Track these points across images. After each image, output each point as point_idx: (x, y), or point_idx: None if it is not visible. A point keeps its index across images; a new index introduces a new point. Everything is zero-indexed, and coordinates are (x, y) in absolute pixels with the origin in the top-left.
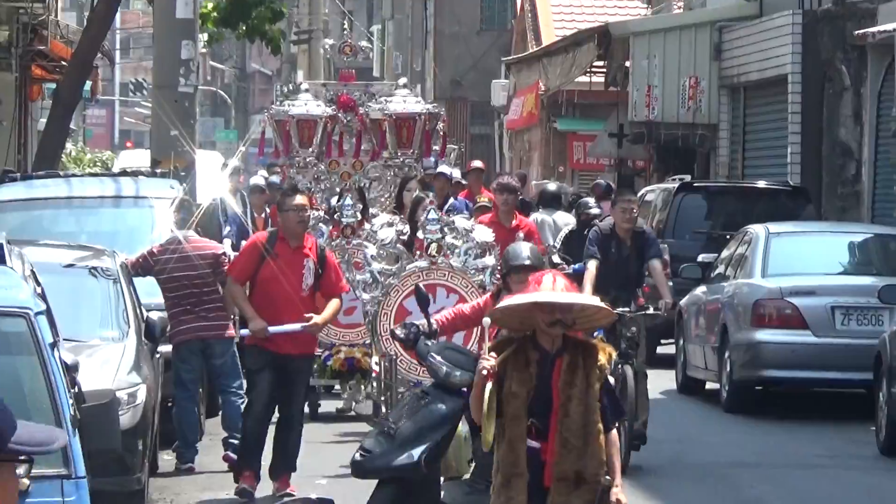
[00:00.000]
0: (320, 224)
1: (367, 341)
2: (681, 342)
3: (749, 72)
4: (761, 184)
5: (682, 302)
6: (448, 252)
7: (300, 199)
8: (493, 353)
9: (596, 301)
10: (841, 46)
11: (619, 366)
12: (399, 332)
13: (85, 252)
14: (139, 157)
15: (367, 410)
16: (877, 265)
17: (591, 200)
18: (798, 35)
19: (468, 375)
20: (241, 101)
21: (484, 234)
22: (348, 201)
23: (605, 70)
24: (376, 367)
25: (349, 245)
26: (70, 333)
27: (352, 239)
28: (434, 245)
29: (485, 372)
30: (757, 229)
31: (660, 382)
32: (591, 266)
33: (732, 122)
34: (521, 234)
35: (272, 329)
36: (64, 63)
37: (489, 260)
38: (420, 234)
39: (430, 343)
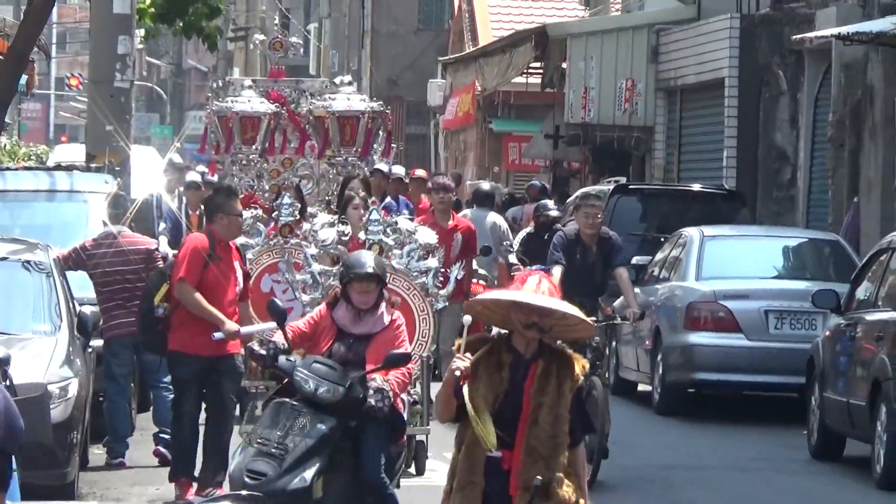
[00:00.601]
0: (258, 223)
1: None
2: (613, 344)
3: (686, 75)
4: (696, 187)
5: (616, 304)
6: (390, 253)
7: (239, 205)
8: (468, 354)
9: (578, 312)
10: (778, 51)
11: (588, 378)
12: (258, 348)
13: (18, 245)
14: (74, 152)
15: None
16: (811, 270)
17: (549, 202)
18: (735, 39)
19: (340, 391)
20: (177, 98)
21: (427, 235)
22: (286, 200)
23: (541, 71)
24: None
25: (287, 245)
26: (2, 326)
27: (289, 238)
28: (375, 246)
29: (458, 373)
30: (691, 232)
31: None
32: (557, 272)
33: (668, 124)
34: (460, 236)
35: (244, 330)
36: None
37: (432, 262)
38: (362, 235)
39: (292, 358)
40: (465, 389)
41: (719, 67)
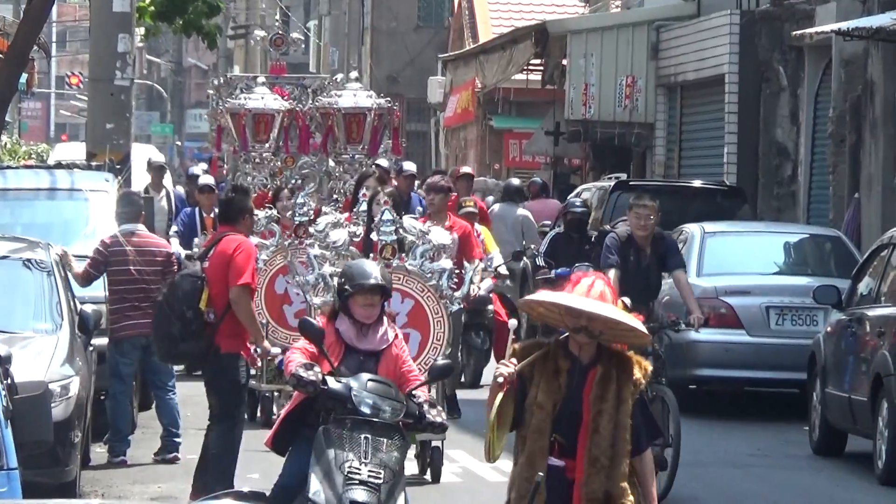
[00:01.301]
0: (272, 223)
1: None
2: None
3: (686, 71)
4: (697, 183)
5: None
6: (403, 255)
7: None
8: (513, 360)
9: (632, 320)
10: (778, 47)
11: (652, 384)
12: (306, 374)
13: (19, 244)
14: (74, 150)
15: None
16: (812, 266)
17: (577, 200)
18: (735, 35)
19: (401, 409)
20: (177, 96)
21: (441, 236)
22: (301, 199)
23: (541, 68)
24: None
25: (302, 245)
26: (3, 325)
27: (304, 239)
28: (388, 247)
29: (500, 379)
30: (692, 228)
31: None
32: (611, 276)
33: (669, 121)
34: (456, 236)
35: (274, 350)
36: (0, 55)
37: (446, 263)
38: (374, 236)
39: (342, 379)
40: (499, 397)
41: (720, 64)
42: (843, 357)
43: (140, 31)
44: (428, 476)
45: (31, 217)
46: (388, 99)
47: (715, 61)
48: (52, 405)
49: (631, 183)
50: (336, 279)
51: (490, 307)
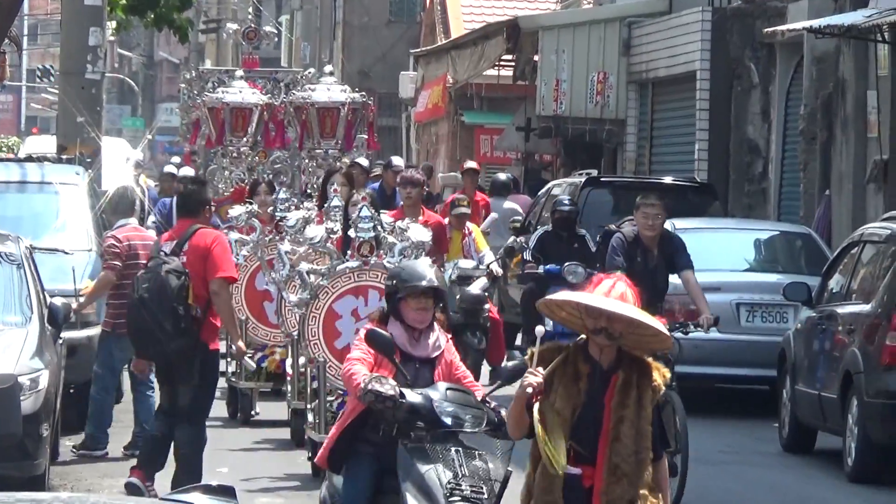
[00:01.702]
0: (253, 219)
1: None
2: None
3: (658, 68)
4: (668, 180)
5: (525, 287)
6: (382, 252)
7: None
8: (540, 368)
9: (655, 322)
10: (750, 44)
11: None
12: (384, 389)
13: None
14: (45, 144)
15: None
16: (782, 263)
17: (565, 198)
18: (707, 32)
19: (482, 417)
20: (149, 90)
21: (420, 233)
22: (283, 195)
23: (513, 64)
24: (291, 371)
25: (282, 241)
26: None
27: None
28: (366, 244)
29: (529, 389)
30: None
31: None
32: None
33: (640, 117)
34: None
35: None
36: None
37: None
38: (352, 233)
39: (419, 390)
40: (536, 407)
41: (691, 60)
42: (814, 354)
43: (111, 24)
44: None
45: (0, 210)
46: (363, 93)
47: (686, 58)
48: (22, 398)
49: (602, 179)
50: (312, 276)
51: (486, 306)
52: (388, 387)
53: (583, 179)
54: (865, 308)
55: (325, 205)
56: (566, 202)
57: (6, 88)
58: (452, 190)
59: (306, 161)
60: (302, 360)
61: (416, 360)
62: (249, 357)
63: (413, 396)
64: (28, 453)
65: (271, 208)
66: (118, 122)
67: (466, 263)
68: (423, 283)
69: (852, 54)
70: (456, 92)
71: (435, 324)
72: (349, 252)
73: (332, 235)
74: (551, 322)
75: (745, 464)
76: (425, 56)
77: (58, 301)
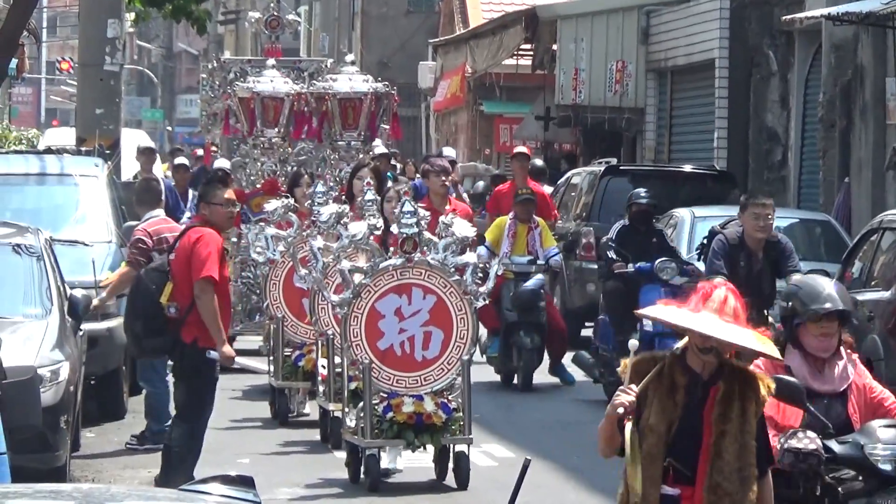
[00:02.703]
0: (290, 213)
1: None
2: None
3: (676, 56)
4: (687, 168)
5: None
6: (425, 248)
7: (230, 193)
8: (632, 386)
9: (767, 347)
10: (768, 32)
11: None
12: (801, 444)
13: (8, 229)
14: (65, 136)
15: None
16: (802, 250)
17: (641, 190)
18: (726, 20)
19: None
20: (168, 81)
21: (464, 228)
22: (320, 188)
23: (531, 53)
24: (323, 371)
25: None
26: None
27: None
28: (409, 241)
29: (621, 410)
30: (682, 213)
31: None
32: None
33: (659, 106)
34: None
35: (239, 360)
36: None
37: (471, 257)
38: (394, 229)
39: (845, 438)
40: (628, 428)
41: (709, 48)
42: None
43: (130, 16)
44: (454, 482)
45: (20, 202)
46: (386, 83)
47: (705, 46)
48: (42, 390)
49: (621, 167)
50: (353, 274)
51: (542, 304)
52: (807, 441)
53: (602, 168)
54: (885, 295)
55: (359, 199)
56: (643, 195)
57: (26, 81)
58: (473, 180)
59: (328, 152)
60: (336, 359)
61: (822, 396)
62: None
63: (842, 448)
64: (49, 445)
65: (308, 202)
66: (138, 114)
67: (521, 258)
68: (827, 305)
69: (870, 41)
70: (475, 81)
71: (842, 349)
72: (391, 248)
73: (374, 231)
74: (650, 322)
75: None
76: (444, 46)
77: (78, 293)
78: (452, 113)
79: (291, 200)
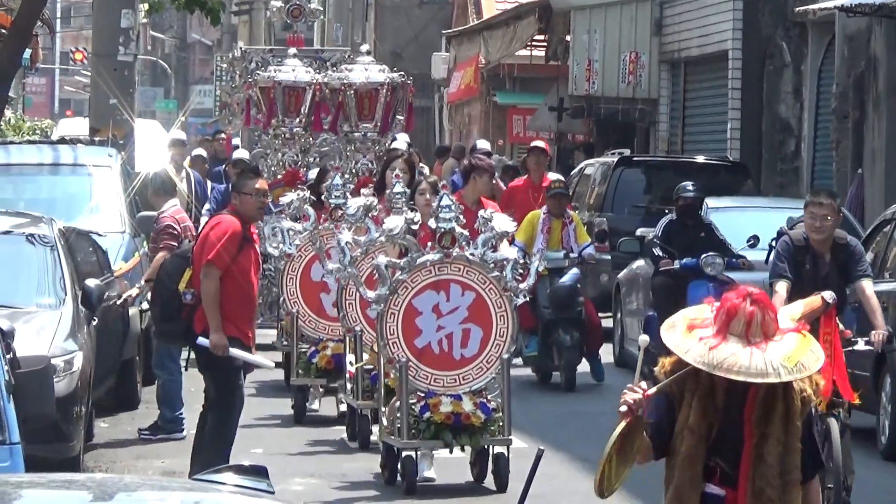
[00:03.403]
0: (306, 206)
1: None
2: (618, 315)
3: (689, 47)
4: (700, 159)
5: (620, 276)
6: (463, 243)
7: (262, 183)
8: (642, 384)
9: (801, 372)
10: (782, 23)
11: (823, 416)
12: None
13: (22, 219)
14: (78, 126)
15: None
16: None
17: (688, 184)
18: (739, 11)
19: None
20: (182, 72)
21: (504, 222)
22: (337, 180)
23: (545, 44)
24: (352, 369)
25: (338, 229)
26: (6, 300)
27: (341, 222)
28: (447, 235)
29: (623, 408)
30: None
31: None
32: (781, 289)
33: (672, 97)
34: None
35: (234, 352)
36: (3, 31)
37: (511, 252)
38: (432, 223)
39: None
40: (620, 426)
41: (723, 40)
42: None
43: (143, 6)
44: (493, 485)
45: (34, 192)
46: (402, 73)
47: (718, 37)
48: (56, 380)
49: (634, 158)
50: (390, 270)
51: (580, 299)
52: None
53: (615, 159)
54: None
55: (388, 191)
56: (689, 188)
57: (39, 71)
58: None
59: (344, 144)
60: (364, 356)
61: None
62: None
63: None
64: (62, 435)
65: (325, 195)
66: (151, 105)
67: (555, 253)
68: None
69: (884, 32)
70: (488, 72)
71: None
72: (429, 243)
73: (412, 226)
74: None
75: None
76: (457, 37)
77: (91, 283)
78: (466, 104)
79: (307, 193)
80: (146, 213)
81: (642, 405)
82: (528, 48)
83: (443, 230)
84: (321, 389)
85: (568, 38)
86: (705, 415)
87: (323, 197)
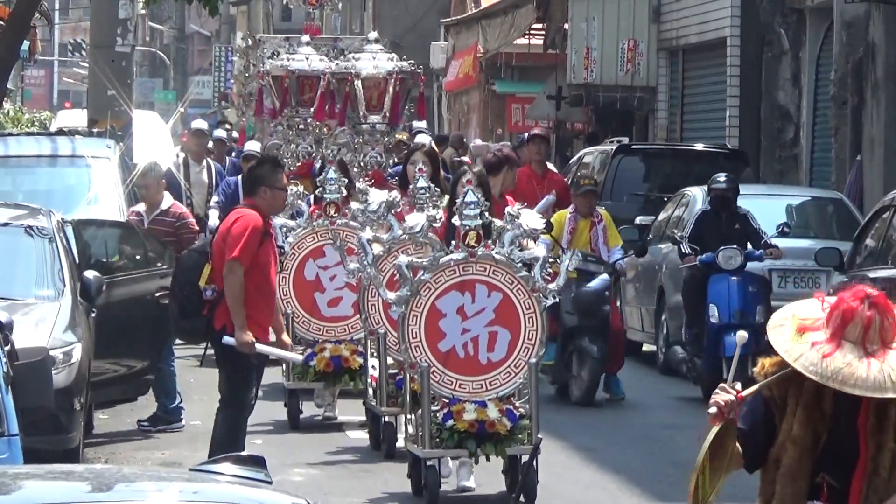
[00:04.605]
0: (299, 201)
1: (355, 336)
2: (617, 304)
3: (688, 35)
4: (699, 146)
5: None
6: (490, 242)
7: (284, 178)
8: (737, 385)
9: None
10: (780, 10)
11: None
12: None
13: (20, 211)
14: (77, 117)
15: (355, 417)
16: (814, 228)
17: (721, 175)
18: None
19: None
20: (180, 62)
21: (533, 220)
22: (332, 174)
23: (543, 32)
24: (374, 372)
25: (333, 225)
26: (5, 292)
27: (336, 219)
28: (472, 233)
29: (713, 410)
30: (695, 192)
31: None
32: None
33: (671, 84)
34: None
35: (260, 348)
36: (1, 22)
37: (540, 250)
38: (456, 221)
39: None
40: (713, 430)
41: (721, 27)
42: None
43: None
44: (521, 496)
45: (32, 184)
46: (412, 62)
47: (717, 24)
48: (55, 372)
49: (633, 146)
50: (411, 269)
51: (606, 307)
52: None
53: (614, 147)
54: None
55: (411, 186)
56: (721, 179)
57: (38, 63)
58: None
59: (352, 136)
60: (388, 360)
61: None
62: (300, 352)
63: None
64: (62, 427)
65: (318, 189)
66: (150, 96)
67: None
68: None
69: (882, 18)
70: (486, 61)
71: None
72: (453, 241)
73: (434, 224)
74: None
75: None
76: (456, 26)
77: (90, 274)
78: (464, 93)
79: (300, 188)
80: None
81: (734, 408)
82: (527, 36)
83: (467, 228)
84: (330, 393)
85: (566, 26)
86: (811, 424)
87: (317, 192)
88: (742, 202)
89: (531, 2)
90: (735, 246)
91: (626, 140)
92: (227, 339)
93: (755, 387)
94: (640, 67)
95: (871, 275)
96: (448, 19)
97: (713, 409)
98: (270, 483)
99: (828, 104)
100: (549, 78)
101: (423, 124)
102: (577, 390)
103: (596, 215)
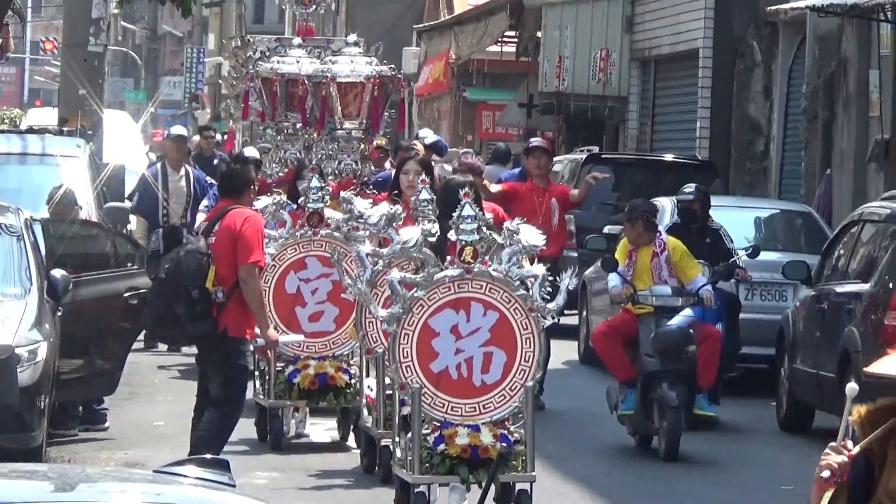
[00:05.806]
0: (281, 210)
1: (339, 353)
2: (584, 313)
3: (660, 45)
4: (669, 157)
5: (586, 273)
6: (485, 259)
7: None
8: (848, 442)
9: None
10: (753, 22)
11: None
12: None
13: None
14: (47, 116)
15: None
16: (782, 241)
17: (689, 185)
18: (710, 10)
19: None
20: (152, 63)
21: (533, 236)
22: (315, 182)
23: (516, 40)
24: (370, 393)
25: (316, 236)
26: None
27: (319, 229)
28: (469, 249)
29: (826, 473)
30: (664, 202)
31: (562, 353)
32: None
33: (642, 94)
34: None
35: (282, 339)
36: None
37: (538, 269)
38: (452, 235)
39: None
40: (827, 495)
41: (694, 38)
42: (812, 333)
43: None
44: None
45: (1, 182)
46: (392, 66)
47: (689, 35)
48: (20, 370)
49: (603, 156)
50: (403, 286)
51: (691, 348)
52: None
53: (584, 156)
54: (865, 287)
55: (413, 199)
56: (689, 190)
57: (9, 61)
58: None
59: (327, 142)
60: (386, 380)
61: None
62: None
63: None
64: (25, 425)
65: (302, 199)
66: (121, 95)
67: (661, 287)
68: None
69: (855, 33)
70: (458, 68)
71: None
72: (448, 257)
73: (428, 238)
74: None
75: (741, 442)
76: (428, 31)
77: (57, 273)
78: (435, 98)
79: (283, 197)
80: (114, 204)
81: (847, 469)
82: (499, 44)
83: (464, 243)
84: (301, 410)
85: (539, 34)
86: None
87: (300, 200)
88: (711, 214)
89: (504, 9)
90: (703, 262)
91: (596, 149)
92: (259, 342)
93: (863, 443)
94: (612, 77)
95: (839, 289)
96: (421, 25)
97: (826, 473)
98: (234, 486)
99: (799, 117)
100: (520, 85)
101: (428, 132)
102: (660, 443)
103: (658, 244)
